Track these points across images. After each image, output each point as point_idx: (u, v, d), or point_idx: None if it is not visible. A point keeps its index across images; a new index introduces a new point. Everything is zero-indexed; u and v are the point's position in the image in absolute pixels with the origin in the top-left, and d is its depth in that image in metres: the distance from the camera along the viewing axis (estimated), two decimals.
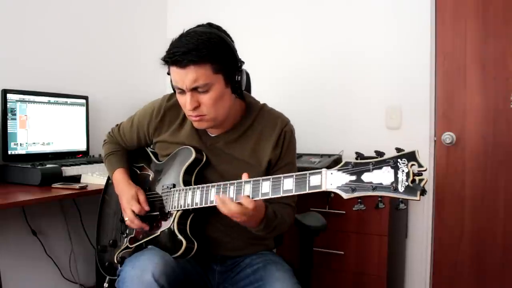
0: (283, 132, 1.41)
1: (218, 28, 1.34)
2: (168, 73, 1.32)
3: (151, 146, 1.57)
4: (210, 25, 1.33)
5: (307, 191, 1.09)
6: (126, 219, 1.41)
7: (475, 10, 2.32)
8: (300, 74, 2.68)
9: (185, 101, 1.28)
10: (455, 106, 2.38)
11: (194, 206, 1.30)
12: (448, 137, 2.37)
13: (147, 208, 1.40)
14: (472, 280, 2.35)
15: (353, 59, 2.56)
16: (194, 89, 1.26)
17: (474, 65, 2.33)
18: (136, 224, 1.38)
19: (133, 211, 1.38)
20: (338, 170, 1.04)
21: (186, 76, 1.23)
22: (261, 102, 1.48)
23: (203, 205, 1.28)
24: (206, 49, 1.23)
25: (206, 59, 1.23)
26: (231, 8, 2.81)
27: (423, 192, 0.95)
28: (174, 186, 1.37)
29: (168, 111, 1.47)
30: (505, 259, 2.29)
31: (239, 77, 1.32)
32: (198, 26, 1.33)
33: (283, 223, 1.36)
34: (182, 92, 1.28)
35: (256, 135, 1.41)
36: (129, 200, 1.40)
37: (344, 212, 2.19)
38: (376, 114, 2.51)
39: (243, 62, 1.34)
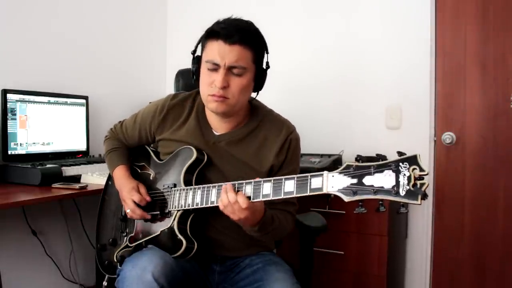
0: (289, 139, 1.40)
1: None
2: (192, 52, 1.36)
3: (153, 145, 1.57)
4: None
5: (308, 193, 1.10)
6: (127, 210, 1.40)
7: (475, 10, 2.32)
8: (299, 74, 2.68)
9: (214, 79, 1.28)
10: (455, 106, 2.38)
11: (195, 206, 1.30)
12: (448, 137, 2.37)
13: (148, 198, 1.40)
14: (472, 279, 2.35)
15: (353, 59, 2.56)
16: (230, 69, 1.27)
17: (474, 65, 2.33)
18: (137, 214, 1.38)
19: (134, 202, 1.38)
20: (340, 173, 1.05)
21: (230, 53, 1.26)
22: (268, 107, 1.49)
23: (204, 205, 1.28)
24: (255, 35, 1.31)
25: (252, 44, 1.29)
26: (231, 9, 2.81)
27: (424, 196, 0.94)
28: (175, 185, 1.37)
29: (171, 109, 1.47)
30: (505, 259, 2.29)
31: (264, 79, 1.37)
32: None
33: (280, 228, 1.35)
34: (214, 70, 1.28)
35: (260, 138, 1.41)
36: (130, 191, 1.40)
37: (344, 212, 2.19)
38: (376, 114, 2.51)
39: (269, 67, 1.38)
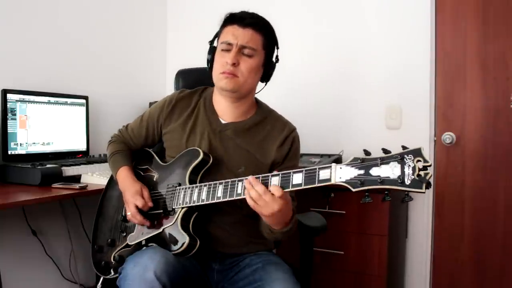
0: (291, 136, 1.47)
1: None
2: (210, 42, 1.47)
3: (161, 139, 1.57)
4: None
5: (317, 184, 1.13)
6: (128, 213, 1.41)
7: (475, 10, 2.32)
8: (299, 74, 2.68)
9: (227, 58, 1.38)
10: (455, 106, 2.38)
11: (201, 203, 1.31)
12: (448, 137, 2.37)
13: (150, 204, 1.40)
14: (472, 279, 2.35)
15: (353, 59, 2.56)
16: (241, 50, 1.38)
17: (474, 65, 2.33)
18: (137, 219, 1.39)
19: (137, 206, 1.38)
20: (347, 164, 1.09)
21: (243, 34, 1.39)
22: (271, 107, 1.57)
23: (210, 201, 1.29)
24: (266, 24, 1.45)
25: (263, 30, 1.43)
26: (230, 9, 2.81)
27: (428, 185, 1.00)
28: (179, 185, 1.38)
29: (179, 101, 1.53)
30: (505, 259, 2.29)
31: (272, 70, 1.48)
32: None
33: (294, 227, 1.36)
34: (228, 50, 1.39)
35: (264, 131, 1.47)
36: (133, 195, 1.41)
37: (344, 212, 2.19)
38: (376, 114, 2.51)
39: (278, 61, 1.49)
